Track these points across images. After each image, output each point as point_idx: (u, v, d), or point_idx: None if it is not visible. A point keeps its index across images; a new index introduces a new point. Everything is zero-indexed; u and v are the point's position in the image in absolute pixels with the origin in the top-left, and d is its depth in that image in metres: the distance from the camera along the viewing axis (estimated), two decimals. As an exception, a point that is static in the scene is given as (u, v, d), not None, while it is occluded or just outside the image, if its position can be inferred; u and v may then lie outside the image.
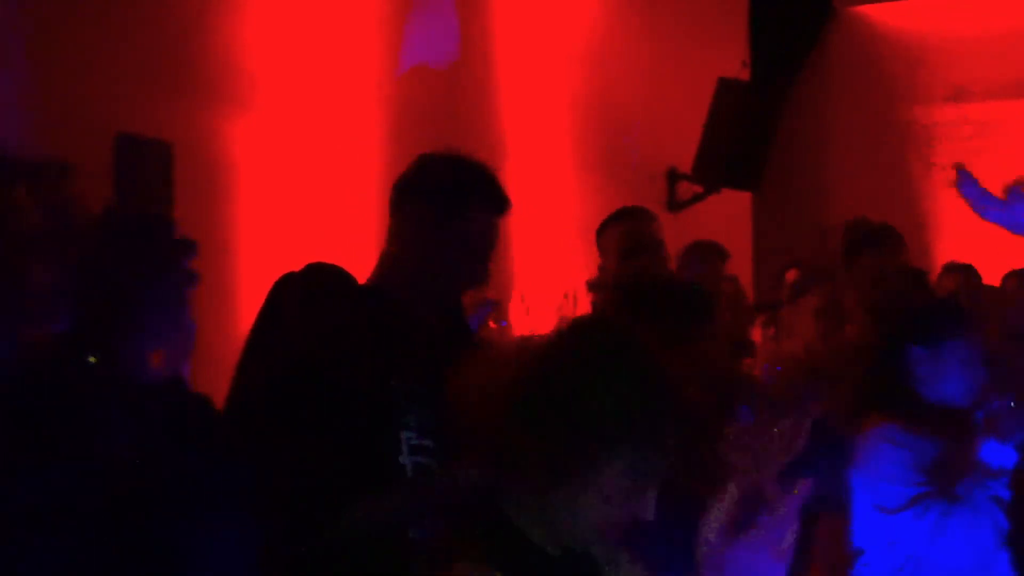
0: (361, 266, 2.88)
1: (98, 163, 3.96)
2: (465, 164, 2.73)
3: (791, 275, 5.17)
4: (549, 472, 1.85)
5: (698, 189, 7.30)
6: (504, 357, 1.98)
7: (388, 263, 2.72)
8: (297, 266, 2.79)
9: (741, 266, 7.31)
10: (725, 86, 7.14)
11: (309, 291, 2.66)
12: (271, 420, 2.49)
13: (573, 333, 1.96)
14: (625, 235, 3.86)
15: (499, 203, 2.72)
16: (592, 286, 5.21)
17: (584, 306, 4.99)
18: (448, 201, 2.67)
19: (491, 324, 3.98)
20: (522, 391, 1.87)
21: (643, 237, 3.86)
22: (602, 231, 3.92)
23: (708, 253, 5.56)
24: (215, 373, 2.69)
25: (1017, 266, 5.50)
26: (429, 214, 2.67)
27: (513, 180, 6.19)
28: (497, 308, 3.79)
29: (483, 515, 1.89)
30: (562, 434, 1.85)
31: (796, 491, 2.96)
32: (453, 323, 2.76)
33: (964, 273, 5.48)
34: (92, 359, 1.76)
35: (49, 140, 3.73)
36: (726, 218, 7.55)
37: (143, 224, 1.83)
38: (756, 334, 5.78)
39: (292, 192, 4.77)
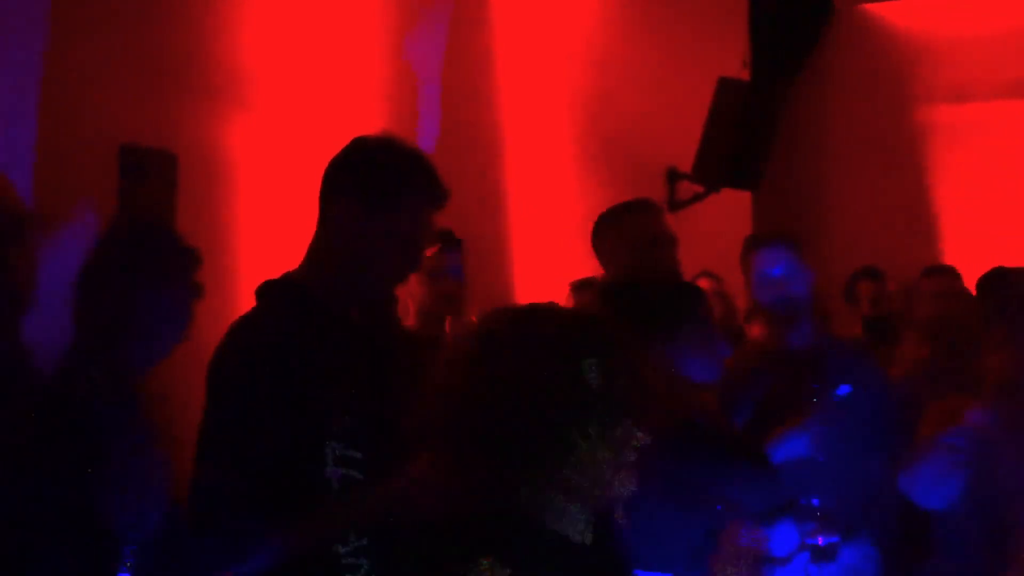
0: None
1: (104, 174, 3.96)
2: (398, 151, 2.54)
3: None
4: (524, 460, 1.85)
5: (698, 189, 7.29)
6: (453, 360, 1.97)
7: (316, 256, 2.56)
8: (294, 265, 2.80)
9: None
10: (725, 86, 7.13)
11: (266, 302, 2.54)
12: (222, 433, 2.39)
13: (508, 324, 1.96)
14: (646, 228, 3.80)
15: (434, 195, 2.54)
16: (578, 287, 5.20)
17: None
18: (379, 192, 2.49)
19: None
20: (476, 394, 1.88)
21: (661, 231, 3.82)
22: (615, 225, 3.84)
23: None
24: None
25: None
26: (359, 205, 2.49)
27: (515, 180, 6.20)
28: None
29: (497, 513, 1.88)
30: (519, 422, 1.85)
31: None
32: (381, 320, 2.61)
33: (947, 275, 5.53)
34: (93, 376, 1.75)
35: (54, 151, 3.75)
36: (726, 218, 7.54)
37: (149, 234, 1.80)
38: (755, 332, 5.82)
39: (292, 191, 4.76)
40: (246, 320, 2.49)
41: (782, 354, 3.84)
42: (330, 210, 2.54)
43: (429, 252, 3.50)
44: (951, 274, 5.61)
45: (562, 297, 5.24)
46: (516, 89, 6.24)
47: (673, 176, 7.39)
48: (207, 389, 2.43)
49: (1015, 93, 8.24)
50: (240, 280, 4.33)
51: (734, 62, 7.51)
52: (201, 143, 4.47)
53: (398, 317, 2.75)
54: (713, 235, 6.71)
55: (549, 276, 5.89)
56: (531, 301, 2.09)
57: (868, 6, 8.80)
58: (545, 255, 6.11)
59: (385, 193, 2.49)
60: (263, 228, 4.63)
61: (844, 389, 3.62)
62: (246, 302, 2.65)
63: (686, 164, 7.17)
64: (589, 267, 5.02)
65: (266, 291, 2.55)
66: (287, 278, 2.57)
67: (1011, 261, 5.43)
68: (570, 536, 1.91)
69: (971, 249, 7.69)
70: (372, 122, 5.23)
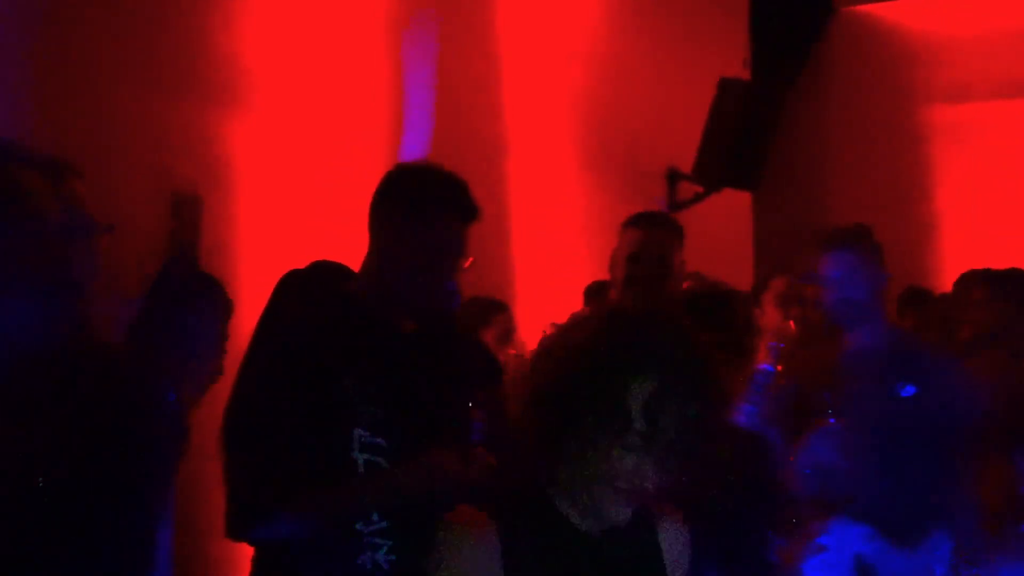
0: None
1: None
2: (432, 173, 2.84)
3: (779, 284, 5.17)
4: (551, 448, 1.90)
5: (698, 189, 7.29)
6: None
7: (364, 268, 2.84)
8: (299, 265, 2.83)
9: (741, 266, 7.32)
10: (725, 86, 7.13)
11: (298, 291, 2.77)
12: (256, 413, 2.63)
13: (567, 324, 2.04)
14: (630, 243, 3.88)
15: (463, 211, 2.80)
16: (589, 292, 5.21)
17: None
18: (411, 208, 2.77)
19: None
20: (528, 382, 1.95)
21: (645, 247, 3.88)
22: (622, 231, 3.94)
23: None
24: (216, 372, 2.70)
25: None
26: (395, 221, 2.78)
27: (515, 180, 6.20)
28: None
29: (526, 494, 1.94)
30: (549, 408, 1.90)
31: None
32: (425, 325, 2.83)
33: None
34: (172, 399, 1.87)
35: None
36: (726, 218, 7.54)
37: (198, 275, 1.94)
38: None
39: (293, 192, 4.76)
40: (287, 302, 2.75)
41: (849, 355, 3.83)
42: (375, 227, 2.81)
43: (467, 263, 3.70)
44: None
45: (566, 297, 5.24)
46: (517, 89, 6.24)
47: (673, 176, 7.38)
48: (244, 358, 2.69)
49: (1015, 93, 8.25)
50: (241, 280, 4.33)
51: (734, 62, 7.51)
52: (204, 143, 4.47)
53: (456, 329, 3.01)
54: (713, 235, 6.71)
55: (551, 276, 5.89)
56: (535, 300, 2.13)
57: (868, 6, 8.80)
58: (547, 255, 6.11)
59: (420, 209, 2.76)
60: (264, 229, 4.62)
61: (909, 390, 3.61)
62: (247, 302, 2.67)
63: (686, 164, 7.16)
64: (589, 267, 5.02)
65: (323, 276, 2.81)
66: (339, 284, 2.83)
67: (1011, 261, 5.43)
68: (577, 525, 1.93)
69: (972, 249, 7.69)
70: (372, 123, 5.24)
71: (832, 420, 3.59)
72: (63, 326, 1.98)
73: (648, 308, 2.02)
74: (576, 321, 2.01)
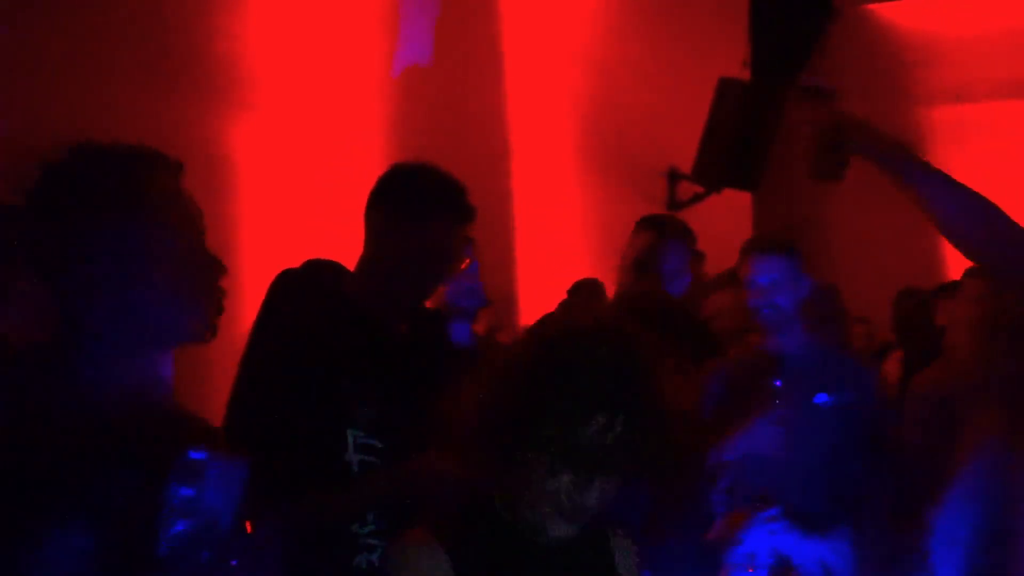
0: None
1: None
2: (428, 174, 2.82)
3: None
4: (504, 459, 1.94)
5: (698, 189, 7.30)
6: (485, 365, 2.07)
7: (359, 268, 2.84)
8: (297, 264, 2.84)
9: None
10: (725, 86, 7.13)
11: (292, 290, 2.78)
12: (251, 415, 2.62)
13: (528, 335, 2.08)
14: (634, 248, 3.90)
15: (459, 212, 2.80)
16: (572, 291, 5.22)
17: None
18: (407, 209, 2.77)
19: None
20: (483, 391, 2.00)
21: (645, 255, 3.90)
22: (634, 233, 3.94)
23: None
24: (217, 370, 2.71)
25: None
26: (390, 221, 2.77)
27: (516, 180, 6.21)
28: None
29: (473, 505, 1.97)
30: (503, 421, 1.94)
31: None
32: (417, 326, 2.84)
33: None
34: None
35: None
36: (726, 218, 7.54)
37: None
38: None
39: (293, 192, 4.77)
40: (283, 302, 2.75)
41: (769, 360, 3.87)
42: (371, 227, 2.81)
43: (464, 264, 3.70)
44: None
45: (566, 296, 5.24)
46: (518, 90, 6.24)
47: (673, 176, 7.39)
48: (241, 359, 2.69)
49: (1015, 93, 8.25)
50: (243, 279, 4.34)
51: (734, 62, 7.51)
52: (205, 143, 4.48)
53: (448, 335, 3.01)
54: (713, 235, 6.71)
55: (551, 275, 5.90)
56: (536, 299, 2.14)
57: (869, 6, 8.80)
58: (547, 254, 6.12)
59: (417, 209, 2.75)
60: (266, 227, 4.63)
61: (821, 398, 3.69)
62: (248, 301, 2.68)
63: (686, 164, 7.17)
64: (591, 266, 5.03)
65: (316, 275, 2.81)
66: (335, 283, 2.83)
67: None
68: (528, 536, 1.95)
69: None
70: (374, 123, 5.25)
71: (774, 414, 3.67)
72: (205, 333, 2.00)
73: (594, 325, 2.02)
74: (517, 341, 2.04)
